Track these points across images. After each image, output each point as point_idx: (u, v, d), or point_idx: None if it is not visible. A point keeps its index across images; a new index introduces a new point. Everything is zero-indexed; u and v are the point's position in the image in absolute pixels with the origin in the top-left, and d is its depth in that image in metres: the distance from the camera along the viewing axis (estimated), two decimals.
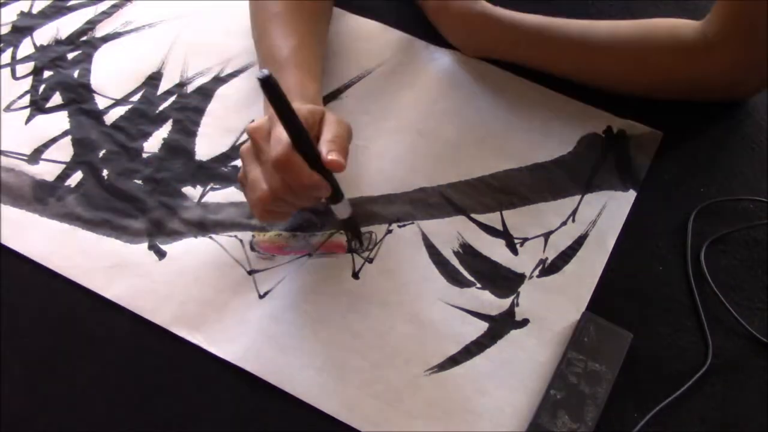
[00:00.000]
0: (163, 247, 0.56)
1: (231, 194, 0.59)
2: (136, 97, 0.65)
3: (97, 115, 0.64)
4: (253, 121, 0.55)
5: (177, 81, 0.66)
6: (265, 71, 0.43)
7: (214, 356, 0.51)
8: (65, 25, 0.70)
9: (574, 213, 0.58)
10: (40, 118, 0.64)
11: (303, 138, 0.47)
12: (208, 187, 0.60)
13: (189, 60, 0.68)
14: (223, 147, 0.62)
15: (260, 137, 0.48)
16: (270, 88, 0.44)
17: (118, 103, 0.65)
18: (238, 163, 0.60)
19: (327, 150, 0.48)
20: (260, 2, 0.61)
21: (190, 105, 0.64)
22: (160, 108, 0.64)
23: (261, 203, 0.49)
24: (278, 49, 0.56)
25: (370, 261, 0.55)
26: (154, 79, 0.66)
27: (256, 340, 0.52)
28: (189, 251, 0.56)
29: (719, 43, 0.57)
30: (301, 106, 0.48)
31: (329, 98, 0.64)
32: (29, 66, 0.67)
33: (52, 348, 0.52)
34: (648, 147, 0.62)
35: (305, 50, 0.57)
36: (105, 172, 0.60)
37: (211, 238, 0.57)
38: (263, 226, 0.57)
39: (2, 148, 0.62)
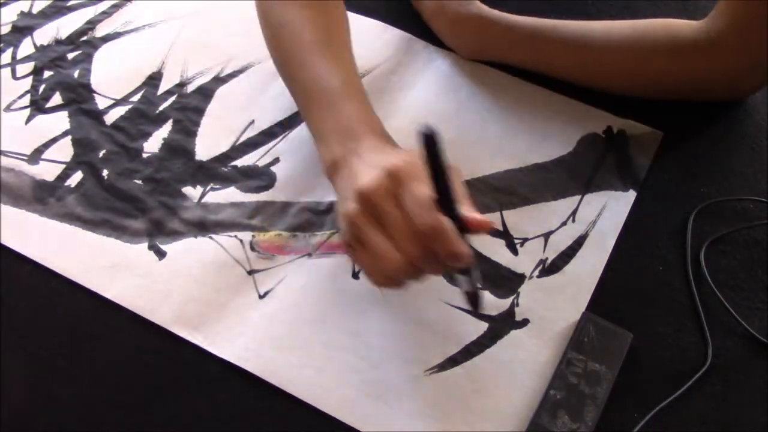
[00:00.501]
0: (163, 247, 0.56)
1: (231, 194, 0.59)
2: (136, 97, 0.65)
3: (97, 115, 0.64)
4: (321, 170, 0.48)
5: (177, 81, 0.66)
6: (429, 125, 0.38)
7: (214, 356, 0.51)
8: (65, 25, 0.70)
9: (574, 213, 0.58)
10: (40, 118, 0.64)
11: (452, 201, 0.41)
12: (208, 187, 0.60)
13: (189, 60, 0.68)
14: (223, 147, 0.62)
15: (384, 199, 0.42)
16: (432, 144, 0.38)
17: (118, 103, 0.65)
18: (238, 163, 0.61)
19: (467, 210, 0.42)
20: (287, 30, 0.55)
21: (190, 105, 0.64)
22: (160, 108, 0.64)
23: (393, 274, 0.43)
24: (326, 80, 0.51)
25: None
26: (154, 79, 0.66)
27: (256, 340, 0.52)
28: (189, 251, 0.56)
29: (723, 42, 0.57)
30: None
31: None
32: (29, 66, 0.67)
33: (52, 348, 0.52)
34: (648, 147, 0.62)
35: (356, 78, 0.53)
36: (105, 172, 0.60)
37: (211, 238, 0.57)
38: (263, 226, 0.57)
39: (2, 148, 0.62)
